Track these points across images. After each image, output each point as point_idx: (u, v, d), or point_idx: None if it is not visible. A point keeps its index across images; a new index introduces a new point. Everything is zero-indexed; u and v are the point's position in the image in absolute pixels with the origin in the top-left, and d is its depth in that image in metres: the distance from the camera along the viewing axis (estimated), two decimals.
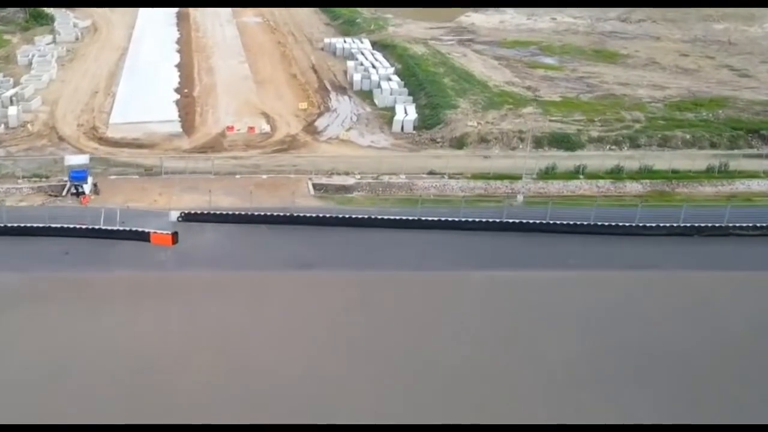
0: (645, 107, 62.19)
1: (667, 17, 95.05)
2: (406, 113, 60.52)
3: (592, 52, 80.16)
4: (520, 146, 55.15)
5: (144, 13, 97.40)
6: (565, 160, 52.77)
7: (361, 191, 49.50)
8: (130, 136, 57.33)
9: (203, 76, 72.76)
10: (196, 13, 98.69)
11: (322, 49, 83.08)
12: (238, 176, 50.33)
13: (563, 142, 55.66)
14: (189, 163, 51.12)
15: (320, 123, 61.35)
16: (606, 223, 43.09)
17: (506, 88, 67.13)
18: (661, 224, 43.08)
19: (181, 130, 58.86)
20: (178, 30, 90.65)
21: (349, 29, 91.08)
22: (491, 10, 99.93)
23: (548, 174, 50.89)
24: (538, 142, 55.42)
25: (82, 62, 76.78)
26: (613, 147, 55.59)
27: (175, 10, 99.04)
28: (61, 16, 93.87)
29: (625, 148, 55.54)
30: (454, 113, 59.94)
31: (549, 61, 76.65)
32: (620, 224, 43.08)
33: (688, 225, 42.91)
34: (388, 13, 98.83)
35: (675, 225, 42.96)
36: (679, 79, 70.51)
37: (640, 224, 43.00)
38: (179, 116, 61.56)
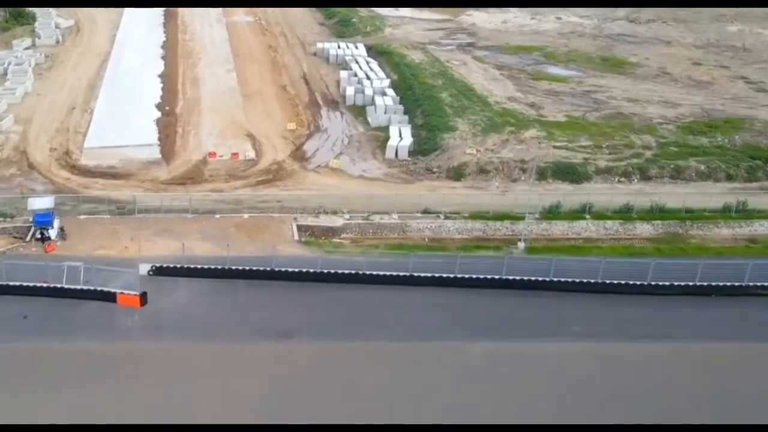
0: (656, 129, 57.94)
1: (678, 17, 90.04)
2: (401, 137, 56.37)
3: (600, 59, 75.50)
4: (522, 177, 51.15)
5: (130, 11, 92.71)
6: (570, 196, 48.78)
7: (350, 233, 45.67)
8: (106, 163, 53.28)
9: (188, 87, 68.40)
10: (184, 11, 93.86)
11: (315, 54, 78.48)
12: (217, 216, 46.38)
13: (568, 173, 51.55)
14: (165, 200, 47.19)
15: (309, 146, 57.21)
16: (615, 281, 39.23)
17: (508, 105, 62.77)
18: (676, 283, 39.19)
19: (160, 155, 54.74)
20: (165, 31, 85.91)
21: (343, 30, 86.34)
22: (493, 8, 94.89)
23: (552, 213, 46.89)
24: (542, 173, 51.32)
25: (61, 71, 72.30)
26: (622, 179, 51.49)
27: (162, 12, 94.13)
28: (43, 14, 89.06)
29: (635, 180, 51.45)
30: (452, 137, 55.72)
31: (554, 70, 72.06)
32: (631, 283, 39.22)
33: (705, 284, 39.05)
34: (387, 14, 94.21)
35: (691, 284, 39.09)
36: (692, 94, 66.04)
37: (653, 283, 39.12)
38: (159, 138, 57.38)
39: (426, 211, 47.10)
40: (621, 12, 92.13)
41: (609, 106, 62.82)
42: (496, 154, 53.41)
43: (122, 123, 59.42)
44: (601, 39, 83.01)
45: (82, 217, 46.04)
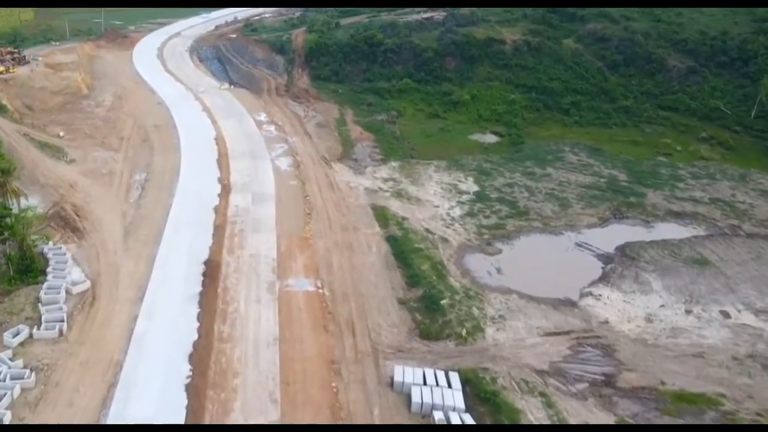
0: None
1: None
2: None
3: None
4: None
5: (162, 260, 77.49)
6: None
7: None
8: None
9: None
10: (230, 264, 77.67)
11: (392, 384, 59.82)
12: None
13: None
14: None
15: None
16: None
17: None
18: None
19: None
20: (199, 312, 68.98)
21: (430, 327, 67.16)
22: (629, 282, 74.91)
23: None
24: None
25: (50, 411, 55.95)
26: None
27: (203, 257, 78.51)
28: (57, 266, 74.52)
29: None
30: None
31: None
32: None
33: None
34: (486, 283, 75.72)
35: None
36: None
37: None
38: None
39: None
40: None
41: None
42: None
43: None
44: None
45: None
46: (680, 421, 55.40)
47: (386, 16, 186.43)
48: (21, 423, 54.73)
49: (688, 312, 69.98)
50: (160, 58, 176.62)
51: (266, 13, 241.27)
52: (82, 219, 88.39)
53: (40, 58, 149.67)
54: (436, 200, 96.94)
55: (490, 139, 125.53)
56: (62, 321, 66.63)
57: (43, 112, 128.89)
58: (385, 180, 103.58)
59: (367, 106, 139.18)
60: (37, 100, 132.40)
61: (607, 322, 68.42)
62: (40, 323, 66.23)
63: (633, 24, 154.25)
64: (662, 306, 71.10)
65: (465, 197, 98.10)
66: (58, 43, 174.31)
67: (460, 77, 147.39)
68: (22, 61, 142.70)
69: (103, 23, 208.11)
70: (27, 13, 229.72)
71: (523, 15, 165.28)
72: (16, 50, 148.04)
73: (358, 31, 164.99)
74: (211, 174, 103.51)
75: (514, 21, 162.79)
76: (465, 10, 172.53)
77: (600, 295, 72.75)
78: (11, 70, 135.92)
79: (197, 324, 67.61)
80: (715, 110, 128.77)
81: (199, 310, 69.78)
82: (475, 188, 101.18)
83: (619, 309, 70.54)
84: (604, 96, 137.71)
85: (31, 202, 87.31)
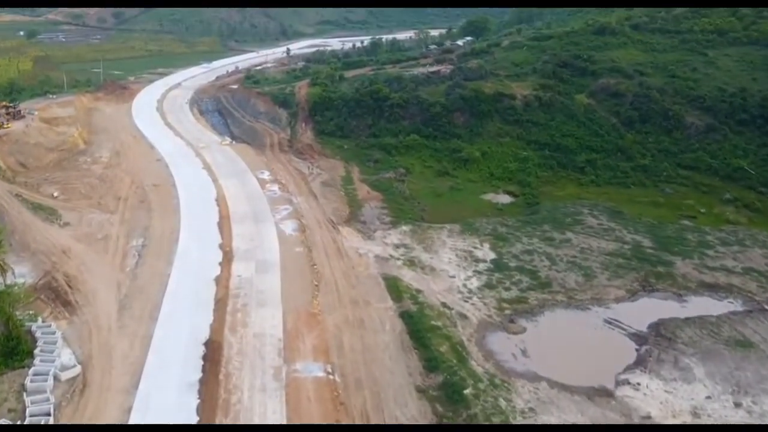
0: None
1: None
2: None
3: None
4: None
5: (158, 341, 71.97)
6: None
7: None
8: None
9: None
10: (232, 345, 71.97)
11: None
12: None
13: None
14: None
15: None
16: None
17: None
18: None
19: None
20: (199, 402, 63.01)
21: (453, 419, 61.61)
22: (668, 368, 69.34)
23: None
24: None
25: None
26: None
27: (203, 337, 72.91)
28: (46, 348, 68.92)
29: None
30: None
31: None
32: None
33: None
34: (511, 368, 70.04)
35: None
36: None
37: None
38: None
39: None
40: None
41: None
42: None
43: None
44: None
45: None
46: None
47: (391, 69, 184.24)
48: None
49: (738, 405, 64.12)
50: (160, 111, 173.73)
51: (267, 63, 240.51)
52: (74, 291, 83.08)
53: (36, 112, 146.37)
54: (451, 269, 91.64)
55: (504, 199, 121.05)
56: (48, 415, 60.90)
57: (37, 170, 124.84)
58: (396, 246, 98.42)
59: (373, 162, 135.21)
60: (32, 157, 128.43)
61: (649, 416, 62.53)
62: (24, 417, 60.47)
63: (647, 79, 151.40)
64: (708, 397, 65.23)
65: (482, 266, 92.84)
66: (55, 96, 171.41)
67: (469, 133, 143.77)
68: (17, 116, 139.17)
69: (102, 74, 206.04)
70: (25, 64, 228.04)
71: (533, 69, 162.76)
72: (11, 104, 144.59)
73: (363, 84, 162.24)
74: (212, 239, 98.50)
75: (524, 75, 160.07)
76: (472, 64, 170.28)
77: (638, 384, 66.94)
78: (6, 126, 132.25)
79: (197, 418, 61.68)
80: (739, 170, 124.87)
81: (198, 401, 63.87)
82: (492, 255, 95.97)
83: (661, 401, 64.63)
84: (620, 154, 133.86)
85: (21, 271, 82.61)
